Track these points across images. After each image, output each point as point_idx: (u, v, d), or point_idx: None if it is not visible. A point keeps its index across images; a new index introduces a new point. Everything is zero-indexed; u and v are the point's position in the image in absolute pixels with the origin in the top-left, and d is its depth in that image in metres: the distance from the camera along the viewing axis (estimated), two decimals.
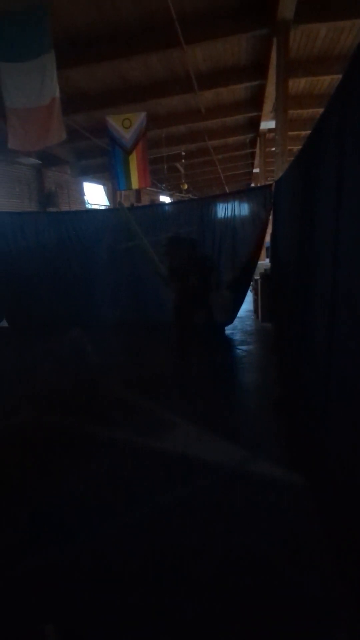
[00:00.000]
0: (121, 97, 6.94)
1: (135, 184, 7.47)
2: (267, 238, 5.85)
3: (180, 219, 5.64)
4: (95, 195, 13.10)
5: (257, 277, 6.10)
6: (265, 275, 5.69)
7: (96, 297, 6.10)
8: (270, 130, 8.95)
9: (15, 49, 4.61)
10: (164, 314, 5.16)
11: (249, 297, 6.48)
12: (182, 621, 1.52)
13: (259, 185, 9.80)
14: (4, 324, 6.58)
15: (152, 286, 5.60)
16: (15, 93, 4.88)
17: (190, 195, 16.30)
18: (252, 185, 16.68)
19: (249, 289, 6.45)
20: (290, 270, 3.25)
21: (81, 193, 12.23)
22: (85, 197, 12.49)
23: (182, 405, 3.44)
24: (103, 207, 12.53)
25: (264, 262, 6.97)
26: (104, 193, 13.44)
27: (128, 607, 1.58)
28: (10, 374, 4.50)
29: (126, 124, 6.89)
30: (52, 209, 10.00)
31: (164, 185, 13.84)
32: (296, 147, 8.44)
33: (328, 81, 7.37)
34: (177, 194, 15.91)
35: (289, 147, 5.94)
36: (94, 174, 11.77)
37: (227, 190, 16.81)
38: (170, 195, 16.42)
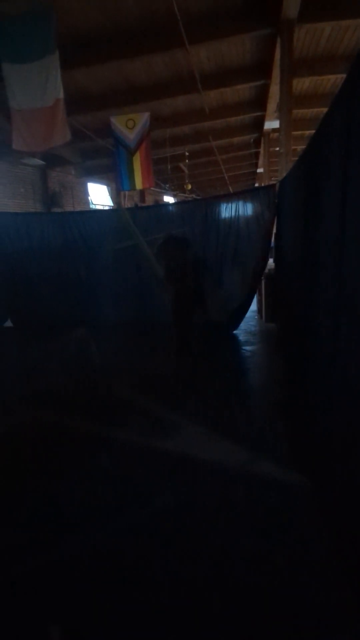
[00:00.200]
0: (125, 97, 6.95)
1: (139, 185, 7.48)
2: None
3: (183, 219, 5.63)
4: (99, 196, 13.14)
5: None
6: (269, 276, 5.67)
7: (100, 297, 6.11)
8: (274, 130, 8.93)
9: (19, 50, 4.64)
10: (167, 314, 5.16)
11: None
12: (183, 621, 1.52)
13: (262, 185, 9.77)
14: (9, 323, 6.62)
15: (155, 286, 5.60)
16: (20, 94, 4.91)
17: (194, 196, 16.30)
18: (256, 185, 16.65)
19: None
20: (294, 271, 3.24)
21: (85, 193, 12.27)
22: (90, 198, 12.53)
23: (185, 405, 3.44)
24: (107, 208, 12.56)
25: (268, 263, 6.93)
26: (108, 193, 13.48)
27: (129, 607, 1.58)
28: (14, 373, 4.52)
29: (130, 125, 6.90)
30: (56, 210, 10.04)
31: (167, 185, 13.84)
32: (300, 147, 8.43)
33: (332, 80, 7.35)
34: (181, 194, 15.91)
35: (293, 147, 5.92)
36: (98, 175, 11.81)
37: (231, 190, 16.80)
38: (174, 196, 16.43)
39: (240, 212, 5.31)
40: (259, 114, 8.65)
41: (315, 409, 2.16)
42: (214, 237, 5.46)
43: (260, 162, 12.42)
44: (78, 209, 10.90)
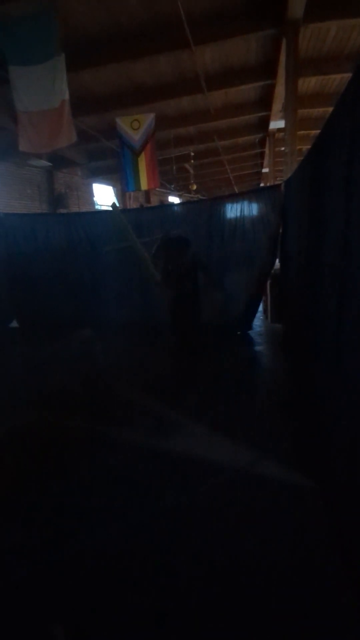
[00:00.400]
0: (130, 98, 6.97)
1: (144, 185, 7.50)
2: None
3: (188, 219, 5.61)
4: (105, 197, 13.19)
5: None
6: (274, 276, 5.65)
7: (104, 297, 6.13)
8: (279, 129, 8.90)
9: (25, 53, 4.67)
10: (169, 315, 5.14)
11: None
12: (184, 622, 1.52)
13: (268, 185, 9.75)
14: (15, 324, 6.67)
15: (154, 287, 5.57)
16: (26, 96, 4.94)
17: (200, 196, 16.30)
18: (262, 185, 16.61)
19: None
20: (299, 271, 3.22)
21: (91, 194, 12.33)
22: (95, 199, 12.58)
23: (189, 405, 3.44)
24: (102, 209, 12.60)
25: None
26: (113, 194, 13.52)
27: (129, 608, 1.58)
28: (19, 373, 4.55)
29: (135, 125, 6.93)
30: (62, 211, 10.10)
31: (173, 185, 13.85)
32: (306, 147, 8.39)
33: (338, 80, 7.30)
34: (186, 195, 15.92)
35: (299, 147, 5.90)
36: (104, 176, 11.85)
37: (236, 191, 16.77)
38: (180, 196, 16.44)
39: (246, 213, 5.29)
40: (264, 114, 8.62)
41: (320, 410, 2.15)
42: (218, 237, 5.44)
43: (266, 162, 12.39)
44: (84, 209, 10.96)
